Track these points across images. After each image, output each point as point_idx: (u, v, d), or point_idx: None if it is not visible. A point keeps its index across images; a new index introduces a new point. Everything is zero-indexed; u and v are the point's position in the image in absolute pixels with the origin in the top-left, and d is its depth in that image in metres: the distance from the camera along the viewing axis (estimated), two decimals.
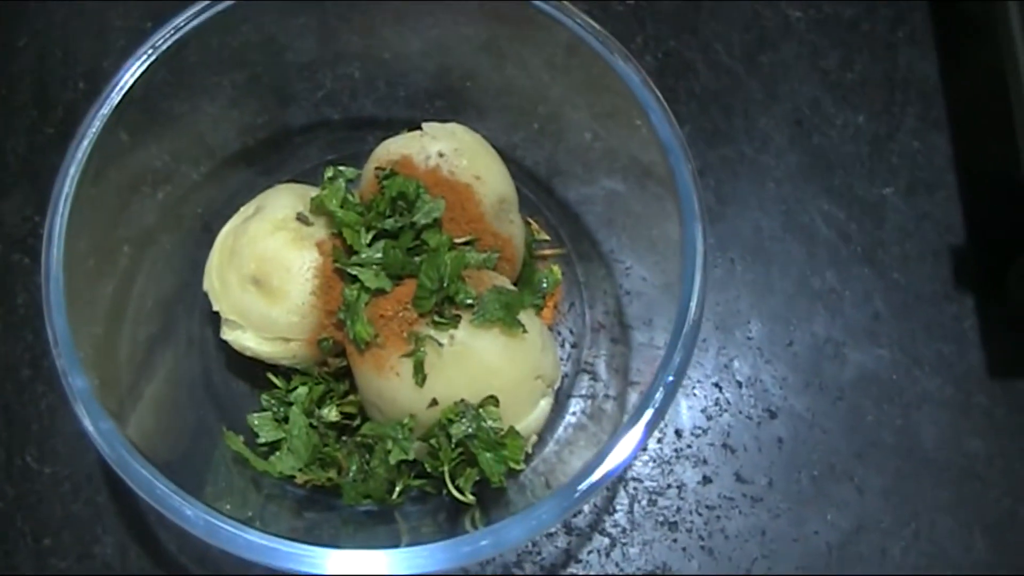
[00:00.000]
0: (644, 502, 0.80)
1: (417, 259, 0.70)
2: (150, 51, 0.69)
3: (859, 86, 0.91)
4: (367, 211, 0.73)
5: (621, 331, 0.78)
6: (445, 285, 0.69)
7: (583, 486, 0.60)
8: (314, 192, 0.76)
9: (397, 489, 0.73)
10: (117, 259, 0.73)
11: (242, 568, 0.69)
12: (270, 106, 0.83)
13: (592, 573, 0.78)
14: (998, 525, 0.80)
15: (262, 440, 0.75)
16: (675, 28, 0.93)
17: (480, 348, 0.69)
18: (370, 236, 0.71)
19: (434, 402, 0.68)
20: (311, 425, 0.75)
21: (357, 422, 0.76)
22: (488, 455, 0.68)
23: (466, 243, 0.73)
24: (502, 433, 0.69)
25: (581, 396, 0.78)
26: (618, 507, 0.80)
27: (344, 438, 0.76)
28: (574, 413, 0.77)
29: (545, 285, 0.80)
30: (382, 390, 0.70)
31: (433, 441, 0.69)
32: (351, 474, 0.73)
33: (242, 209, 0.77)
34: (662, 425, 0.82)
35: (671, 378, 0.62)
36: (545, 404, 0.73)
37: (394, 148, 0.75)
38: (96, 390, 0.63)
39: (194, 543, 0.60)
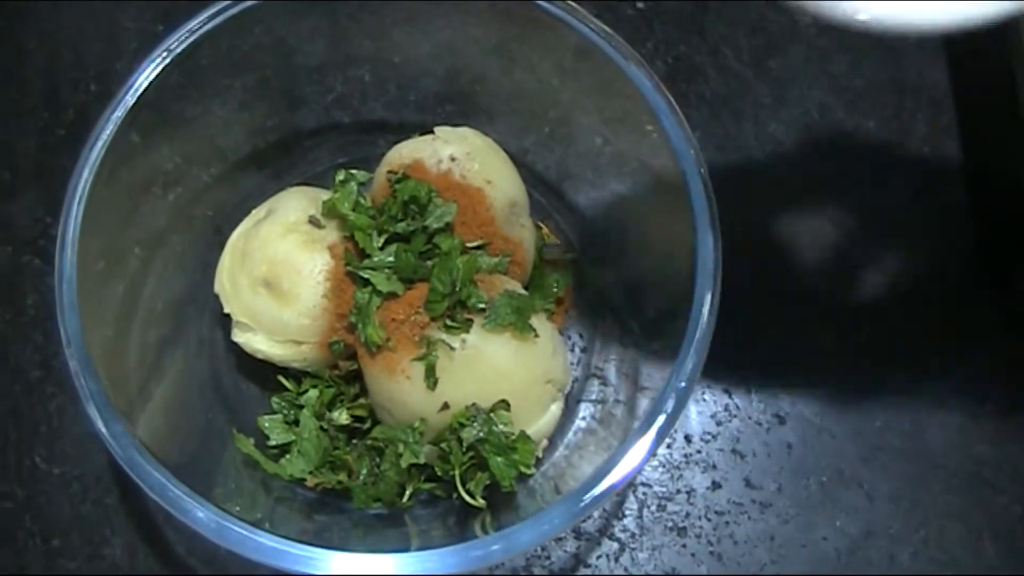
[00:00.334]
0: (653, 507, 0.80)
1: (429, 263, 0.70)
2: (164, 54, 0.69)
3: (868, 92, 0.91)
4: (379, 214, 0.73)
5: (631, 336, 0.78)
6: (457, 289, 0.69)
7: (594, 492, 0.60)
8: (325, 195, 0.76)
9: (407, 492, 0.73)
10: (128, 261, 0.73)
11: (250, 569, 0.69)
12: (280, 109, 0.83)
13: None
14: (1008, 531, 0.80)
15: (272, 443, 0.75)
16: (684, 32, 0.93)
17: (491, 352, 0.69)
18: (382, 240, 0.72)
19: (445, 406, 0.69)
20: (321, 428, 0.75)
21: (367, 425, 0.76)
22: (499, 459, 0.68)
23: (477, 247, 0.73)
24: (513, 437, 0.69)
25: (591, 401, 0.78)
26: (627, 512, 0.80)
27: (354, 441, 0.76)
28: (584, 418, 0.77)
29: (556, 289, 0.80)
30: (393, 393, 0.70)
31: (444, 445, 0.69)
32: (361, 477, 0.73)
33: (254, 212, 0.77)
34: (672, 431, 0.82)
35: (683, 384, 0.62)
36: (555, 408, 0.73)
37: (406, 152, 0.75)
38: (107, 391, 0.63)
39: (203, 544, 0.60)
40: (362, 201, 0.74)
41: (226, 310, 0.75)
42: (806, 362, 0.84)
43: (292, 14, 0.76)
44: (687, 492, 0.80)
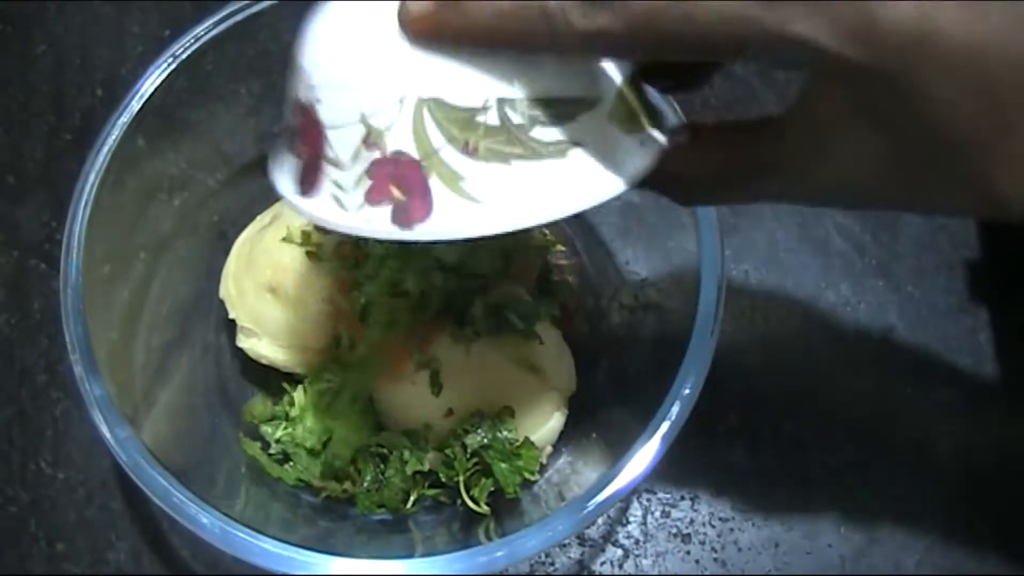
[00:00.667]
0: (657, 514, 0.80)
1: (436, 270, 0.70)
2: (170, 59, 0.69)
3: None
4: None
5: (636, 343, 0.78)
6: (461, 297, 0.69)
7: (598, 499, 0.60)
8: None
9: (411, 498, 0.73)
10: (133, 266, 0.73)
11: (255, 574, 0.69)
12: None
13: None
14: (1013, 539, 0.80)
15: (275, 448, 0.75)
16: None
17: (497, 358, 0.69)
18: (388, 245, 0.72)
19: (450, 412, 0.69)
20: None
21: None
22: (503, 465, 0.69)
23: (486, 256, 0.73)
24: (517, 444, 0.69)
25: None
26: (631, 518, 0.80)
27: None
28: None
29: (561, 296, 0.80)
30: (398, 399, 0.70)
31: (448, 451, 0.69)
32: (365, 483, 0.73)
33: (259, 217, 0.77)
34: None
35: (687, 390, 0.62)
36: (560, 415, 0.73)
37: None
38: (112, 396, 0.63)
39: (207, 549, 0.60)
40: None
41: (231, 315, 0.75)
42: (810, 370, 0.84)
43: (299, 19, 0.76)
44: (691, 499, 0.80)
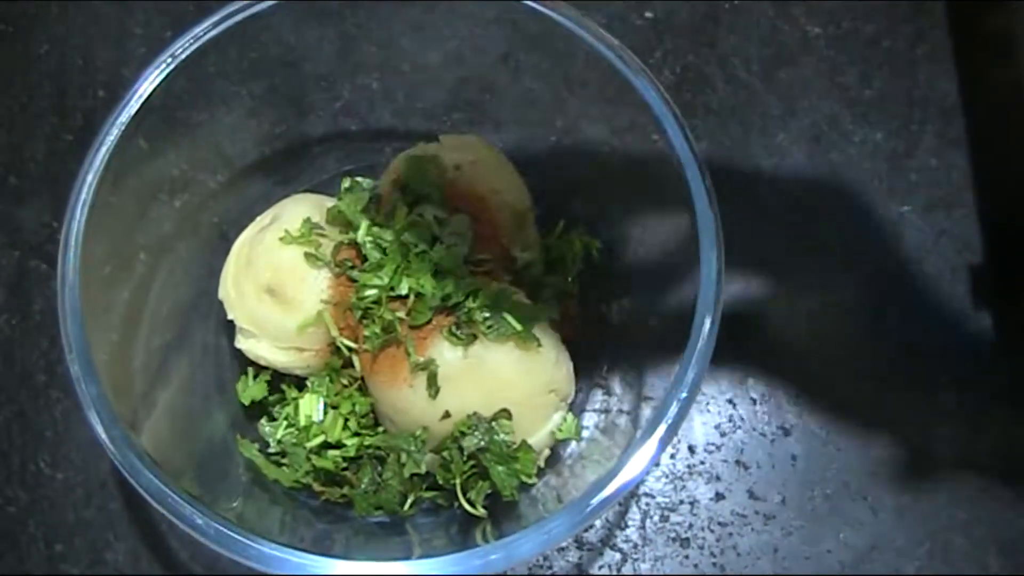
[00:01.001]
0: (656, 518, 0.80)
1: (435, 274, 0.70)
2: (169, 59, 0.69)
3: (878, 103, 0.91)
4: (384, 222, 0.73)
5: (636, 346, 0.77)
6: (449, 303, 0.69)
7: (594, 502, 0.60)
8: (330, 202, 0.76)
9: (409, 501, 0.73)
10: (133, 266, 0.73)
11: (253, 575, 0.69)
12: (288, 116, 0.83)
13: None
14: (1014, 545, 0.80)
15: (273, 449, 0.74)
16: (693, 43, 0.93)
17: (494, 361, 0.69)
18: (386, 247, 0.72)
19: (447, 414, 0.68)
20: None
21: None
22: (500, 468, 0.68)
23: (484, 260, 0.73)
24: (514, 446, 0.69)
25: (595, 410, 0.78)
26: (630, 522, 0.79)
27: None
28: (587, 428, 0.77)
29: (560, 298, 0.79)
30: (395, 401, 0.70)
31: (445, 453, 0.69)
32: (363, 485, 0.72)
33: (258, 219, 0.77)
34: (675, 441, 0.81)
35: (684, 394, 0.62)
36: (558, 418, 0.73)
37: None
38: (110, 397, 0.63)
39: (205, 550, 0.60)
40: (369, 208, 0.74)
41: (230, 316, 0.75)
42: (812, 375, 0.83)
43: (300, 22, 0.76)
44: (690, 503, 0.80)
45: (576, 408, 0.78)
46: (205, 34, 0.70)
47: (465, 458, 0.68)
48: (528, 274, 0.76)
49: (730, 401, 0.83)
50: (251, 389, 0.76)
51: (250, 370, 0.76)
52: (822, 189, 0.89)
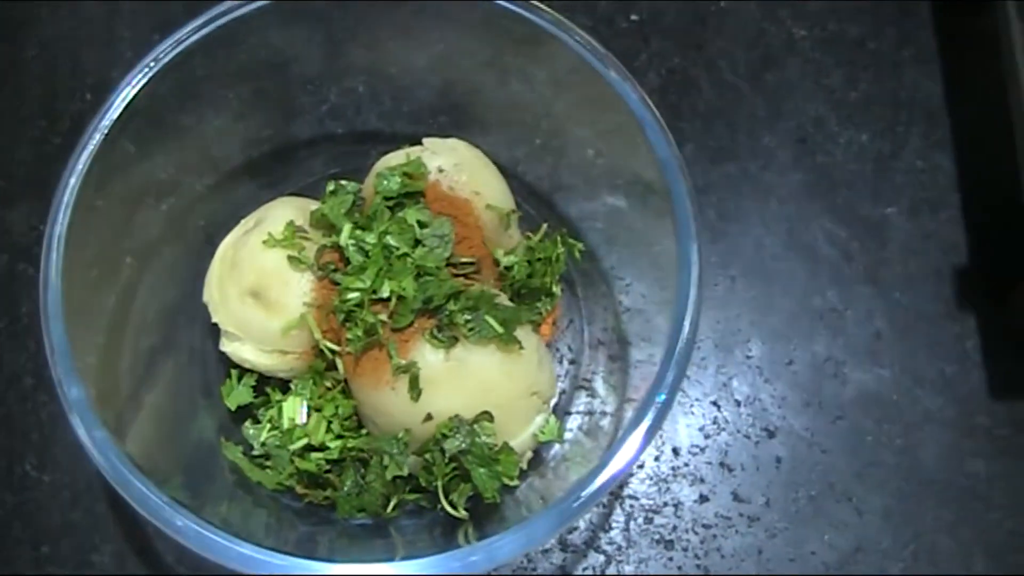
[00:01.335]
0: (640, 520, 0.80)
1: (417, 277, 0.70)
2: (152, 63, 0.70)
3: (863, 105, 0.91)
4: (368, 224, 0.73)
5: (620, 348, 0.78)
6: (431, 306, 0.69)
7: (572, 504, 0.60)
8: (314, 205, 0.76)
9: (392, 503, 0.73)
10: (120, 269, 0.74)
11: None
12: (275, 119, 0.84)
13: None
14: (999, 547, 0.80)
15: (257, 452, 0.75)
16: (680, 45, 0.93)
17: (476, 364, 0.69)
18: (369, 250, 0.72)
19: (429, 417, 0.69)
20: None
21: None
22: (482, 471, 0.68)
23: (468, 263, 0.73)
24: (496, 449, 0.69)
25: (579, 413, 0.78)
26: (614, 524, 0.80)
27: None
28: (571, 430, 0.77)
29: (543, 301, 0.79)
30: (377, 404, 0.70)
31: (428, 456, 0.69)
32: (346, 488, 0.73)
33: (243, 222, 0.77)
34: (659, 443, 0.82)
35: (663, 397, 0.62)
36: (541, 420, 0.73)
37: (394, 163, 0.75)
38: (94, 399, 0.63)
39: (191, 553, 0.60)
40: (353, 211, 0.75)
41: (214, 320, 0.75)
42: (797, 376, 0.84)
43: (287, 25, 0.76)
44: (674, 505, 0.80)
45: (559, 410, 0.78)
46: (189, 37, 0.71)
47: (447, 460, 0.69)
48: (511, 276, 0.76)
49: (714, 403, 0.83)
50: (237, 394, 0.76)
51: (234, 373, 0.77)
52: (808, 191, 0.89)
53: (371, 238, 0.72)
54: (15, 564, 0.79)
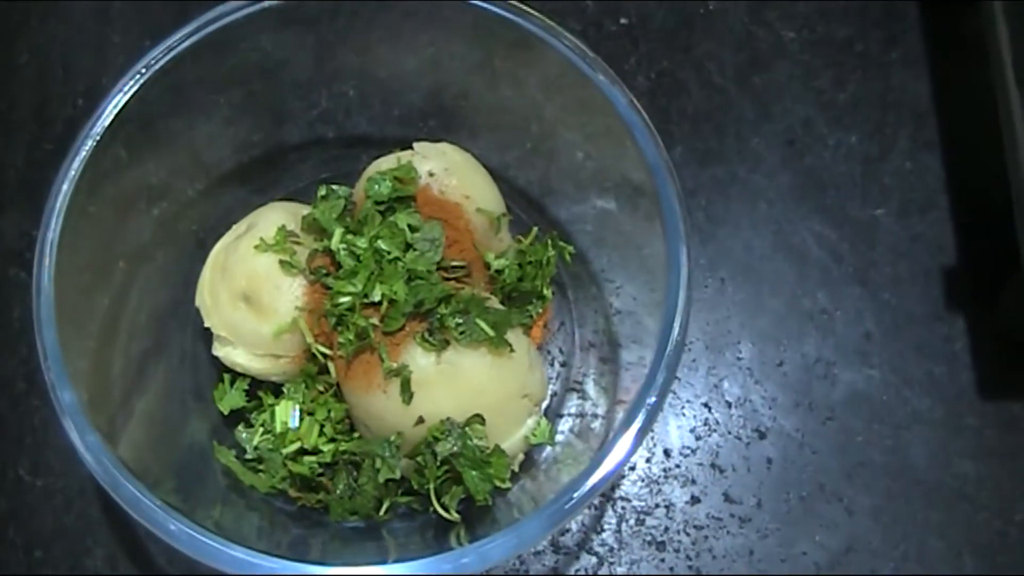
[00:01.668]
0: (632, 521, 0.80)
1: (408, 281, 0.71)
2: (143, 70, 0.70)
3: (852, 107, 0.92)
4: (359, 229, 0.74)
5: (610, 350, 0.78)
6: (422, 310, 0.69)
7: (563, 505, 0.61)
8: (305, 210, 0.76)
9: (384, 506, 0.73)
10: (112, 274, 0.74)
11: None
12: (265, 124, 0.84)
13: None
14: (988, 547, 0.80)
15: (250, 455, 0.75)
16: (668, 48, 0.94)
17: (467, 367, 0.69)
18: (360, 254, 0.72)
19: (421, 420, 0.69)
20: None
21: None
22: (473, 473, 0.69)
23: (459, 267, 0.74)
24: (488, 451, 0.69)
25: (570, 415, 0.79)
26: (606, 526, 0.80)
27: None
28: (562, 432, 0.77)
29: (533, 304, 0.80)
30: (369, 407, 0.70)
31: (419, 459, 0.70)
32: (338, 491, 0.73)
33: (235, 227, 0.78)
34: (651, 445, 0.82)
35: (653, 399, 0.63)
36: (532, 423, 0.73)
37: (385, 167, 0.76)
38: (86, 404, 0.64)
39: (183, 556, 0.61)
40: (344, 216, 0.75)
41: (206, 324, 0.75)
42: (787, 377, 0.84)
43: (277, 30, 0.77)
44: (666, 506, 0.81)
45: (551, 412, 0.78)
46: (179, 44, 0.71)
47: (439, 463, 0.69)
48: (502, 280, 0.76)
49: (705, 405, 0.83)
50: (229, 398, 0.77)
51: (227, 377, 0.77)
52: (797, 193, 0.89)
53: (362, 242, 0.72)
54: (8, 568, 0.79)
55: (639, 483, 0.81)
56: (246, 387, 0.77)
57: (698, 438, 0.82)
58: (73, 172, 0.67)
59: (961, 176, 0.90)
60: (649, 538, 0.80)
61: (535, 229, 0.80)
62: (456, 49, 0.79)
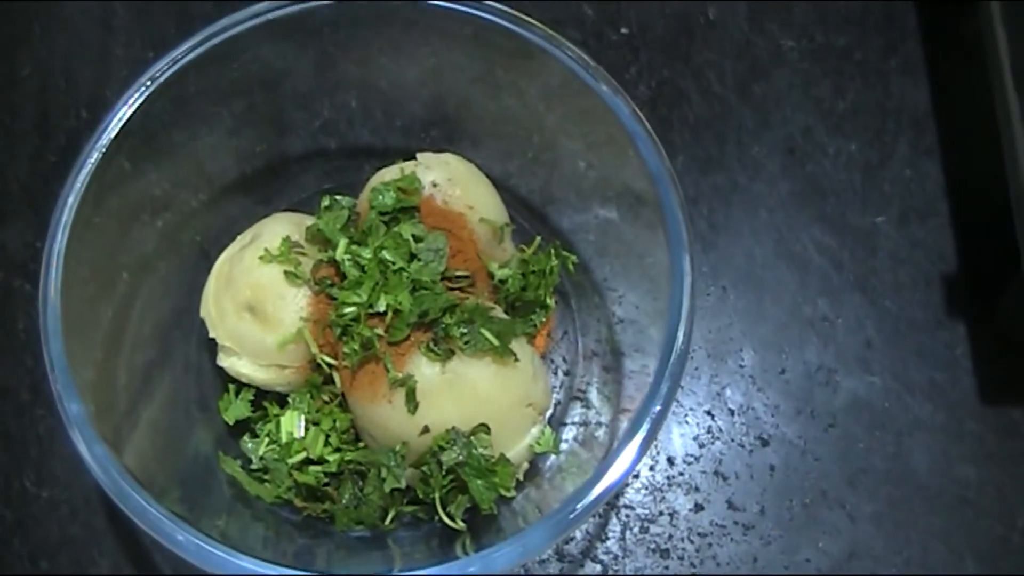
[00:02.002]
0: (636, 529, 0.80)
1: (413, 291, 0.71)
2: (148, 82, 0.70)
3: (851, 114, 0.92)
4: (363, 239, 0.74)
5: (613, 359, 0.78)
6: (435, 316, 0.69)
7: (568, 515, 0.61)
8: (310, 221, 0.77)
9: (390, 515, 0.73)
10: (116, 285, 0.74)
11: None
12: (268, 135, 0.84)
13: None
14: (990, 552, 0.80)
15: (256, 465, 0.75)
16: (668, 57, 0.94)
17: (472, 376, 0.69)
18: (365, 265, 0.72)
19: (426, 429, 0.69)
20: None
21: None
22: (479, 482, 0.69)
23: (463, 277, 0.74)
24: (493, 460, 0.69)
25: (574, 423, 0.79)
26: (610, 534, 0.80)
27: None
28: (567, 440, 0.78)
29: (537, 313, 0.80)
30: (374, 417, 0.70)
31: (425, 468, 0.70)
32: (344, 500, 0.73)
33: (239, 237, 0.78)
34: (654, 453, 0.82)
35: (658, 407, 0.63)
36: (536, 431, 0.73)
37: (388, 178, 0.76)
38: (92, 415, 0.64)
39: (188, 566, 0.61)
40: (348, 226, 0.76)
41: (211, 335, 0.75)
42: (789, 384, 0.84)
43: (279, 41, 0.77)
44: (670, 514, 0.81)
45: (555, 421, 0.79)
46: (184, 57, 0.71)
47: (444, 472, 0.69)
48: (505, 289, 0.77)
49: (708, 412, 0.84)
50: (234, 408, 0.77)
51: (232, 387, 0.77)
52: (797, 200, 0.90)
53: (367, 253, 0.72)
54: None
55: (643, 491, 0.81)
56: (251, 397, 0.77)
57: (701, 446, 0.83)
58: (79, 184, 0.68)
59: (961, 182, 0.90)
60: (653, 546, 0.80)
61: (538, 239, 0.81)
62: (458, 59, 0.79)
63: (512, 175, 0.84)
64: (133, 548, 0.80)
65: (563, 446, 0.77)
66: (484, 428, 0.69)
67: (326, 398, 0.75)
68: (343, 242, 0.73)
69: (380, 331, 0.70)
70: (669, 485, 0.82)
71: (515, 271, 0.77)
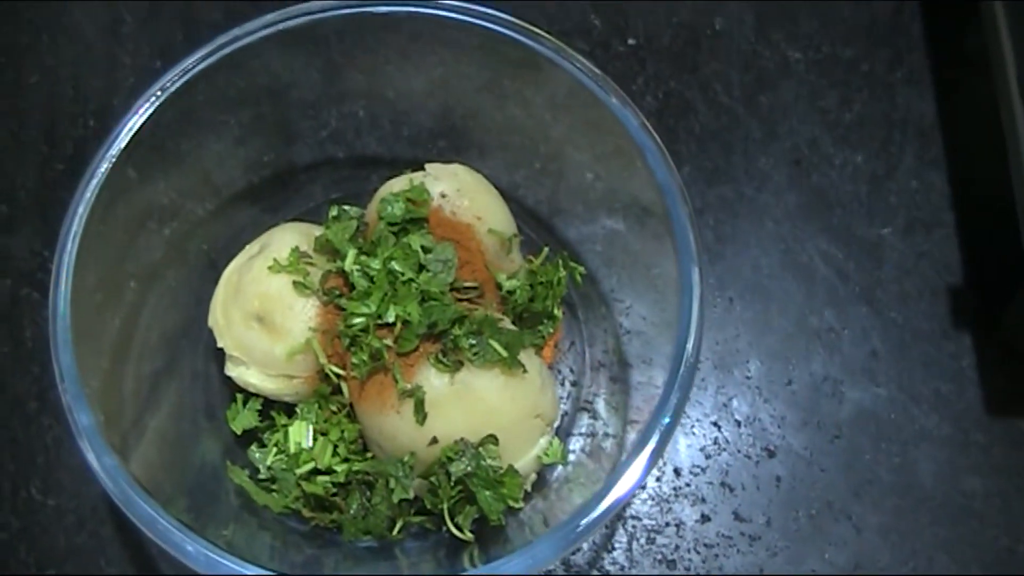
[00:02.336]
0: (643, 540, 0.80)
1: (422, 302, 0.71)
2: (159, 92, 0.70)
3: (857, 126, 0.92)
4: (372, 250, 0.74)
5: (621, 369, 0.78)
6: (444, 327, 0.70)
7: (578, 526, 0.61)
8: (318, 231, 0.77)
9: (397, 526, 0.73)
10: (123, 294, 0.74)
11: None
12: (275, 144, 0.84)
13: None
14: (996, 563, 0.80)
15: (263, 475, 0.75)
16: (675, 68, 0.94)
17: (480, 387, 0.69)
18: (373, 275, 0.72)
19: (434, 440, 0.69)
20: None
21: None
22: (487, 493, 0.69)
23: (471, 288, 0.74)
24: (501, 471, 0.70)
25: (581, 434, 0.79)
26: (617, 545, 0.80)
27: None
28: (574, 451, 0.78)
29: (544, 324, 0.80)
30: (383, 427, 0.70)
31: (433, 479, 0.70)
32: (352, 511, 0.73)
33: (248, 247, 0.78)
34: (661, 464, 0.82)
35: (667, 420, 0.63)
36: (544, 442, 0.73)
37: (397, 188, 0.76)
38: (101, 425, 0.64)
39: None
40: (357, 237, 0.76)
41: (219, 344, 0.75)
42: (795, 395, 0.84)
43: (287, 52, 0.77)
44: (676, 525, 0.81)
45: (562, 432, 0.79)
46: (195, 67, 0.72)
47: (452, 483, 0.69)
48: (513, 300, 0.77)
49: (715, 424, 0.84)
50: (242, 417, 0.77)
51: (240, 397, 0.77)
52: (803, 212, 0.90)
53: (376, 263, 0.72)
54: None
55: (649, 502, 0.82)
56: (259, 407, 0.77)
57: (708, 457, 0.83)
58: (89, 194, 0.68)
59: (966, 193, 0.90)
60: (660, 557, 0.80)
61: (546, 249, 0.81)
62: (465, 69, 0.80)
63: (519, 185, 0.84)
64: (139, 557, 0.80)
65: (570, 457, 0.77)
66: (492, 439, 0.69)
67: (334, 408, 0.75)
68: (352, 252, 0.73)
69: (389, 342, 0.70)
70: (676, 496, 0.82)
71: (523, 282, 0.77)
